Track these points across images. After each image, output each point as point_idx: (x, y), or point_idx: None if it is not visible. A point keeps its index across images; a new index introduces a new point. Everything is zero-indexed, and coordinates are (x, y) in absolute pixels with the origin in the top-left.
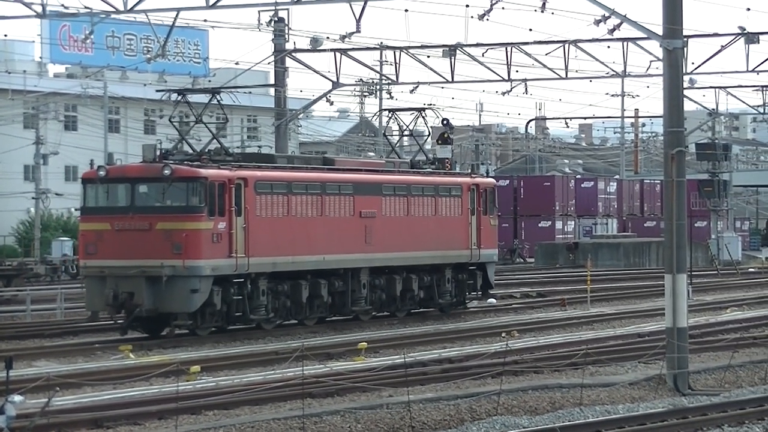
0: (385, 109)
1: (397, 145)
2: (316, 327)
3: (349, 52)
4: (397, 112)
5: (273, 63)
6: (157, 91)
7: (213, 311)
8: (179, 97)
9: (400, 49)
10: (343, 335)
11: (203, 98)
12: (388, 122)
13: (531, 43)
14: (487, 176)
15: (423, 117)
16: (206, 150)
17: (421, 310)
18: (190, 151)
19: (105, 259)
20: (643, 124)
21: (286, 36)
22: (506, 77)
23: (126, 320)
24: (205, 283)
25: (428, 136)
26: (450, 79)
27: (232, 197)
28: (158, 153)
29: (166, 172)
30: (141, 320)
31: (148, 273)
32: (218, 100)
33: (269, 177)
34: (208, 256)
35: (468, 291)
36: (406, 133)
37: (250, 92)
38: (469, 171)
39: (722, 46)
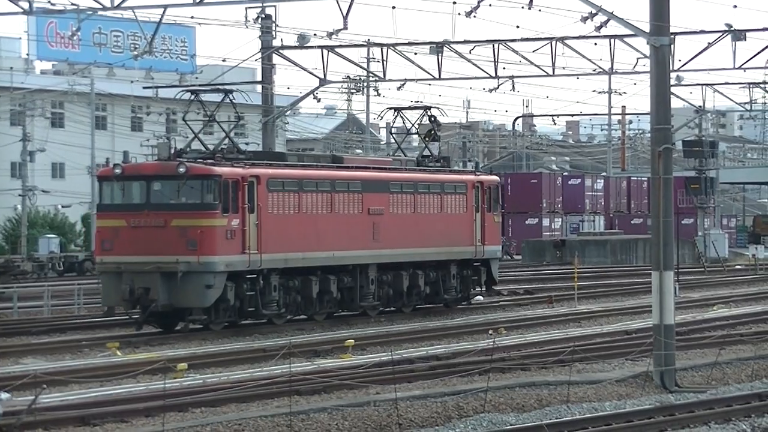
0: (391, 108)
1: (402, 143)
2: (305, 324)
3: (337, 49)
4: (402, 111)
5: (260, 60)
6: (146, 88)
7: (226, 306)
8: (192, 96)
9: (388, 46)
10: (330, 332)
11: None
12: (393, 121)
13: (518, 40)
14: (491, 174)
15: (428, 115)
16: (219, 148)
17: (427, 305)
18: (202, 149)
19: (121, 255)
20: (630, 121)
21: (273, 33)
22: (493, 74)
23: (141, 315)
24: (219, 278)
25: (432, 134)
26: (437, 76)
27: (245, 194)
28: (172, 151)
29: (181, 170)
30: (156, 315)
31: (164, 269)
32: (231, 99)
33: (281, 175)
34: (222, 252)
35: (472, 286)
36: (411, 131)
37: (237, 89)
38: (474, 168)
39: (709, 43)
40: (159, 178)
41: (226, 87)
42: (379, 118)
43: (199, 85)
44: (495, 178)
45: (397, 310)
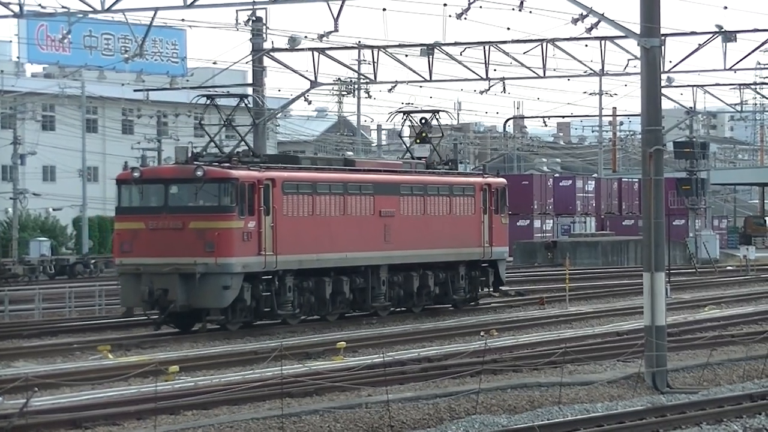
0: (400, 111)
1: (410, 146)
2: (297, 327)
3: (327, 52)
4: (411, 114)
5: (251, 62)
6: (137, 91)
7: (243, 307)
8: (208, 101)
9: (378, 48)
10: (321, 335)
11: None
12: (402, 124)
13: (509, 41)
14: (498, 176)
15: (437, 119)
16: (235, 152)
17: (436, 306)
18: (217, 152)
19: (140, 257)
20: (621, 123)
21: (264, 35)
22: (484, 76)
23: (160, 316)
24: (236, 279)
25: (441, 136)
26: (428, 78)
27: (261, 197)
28: (190, 155)
29: (198, 173)
30: (174, 316)
31: (182, 270)
32: (245, 104)
33: (295, 178)
34: (239, 253)
35: (480, 287)
36: (421, 134)
37: (227, 92)
38: (481, 171)
39: (699, 45)
40: (177, 182)
41: (242, 93)
42: (390, 120)
43: (210, 87)
44: (502, 180)
45: (407, 310)
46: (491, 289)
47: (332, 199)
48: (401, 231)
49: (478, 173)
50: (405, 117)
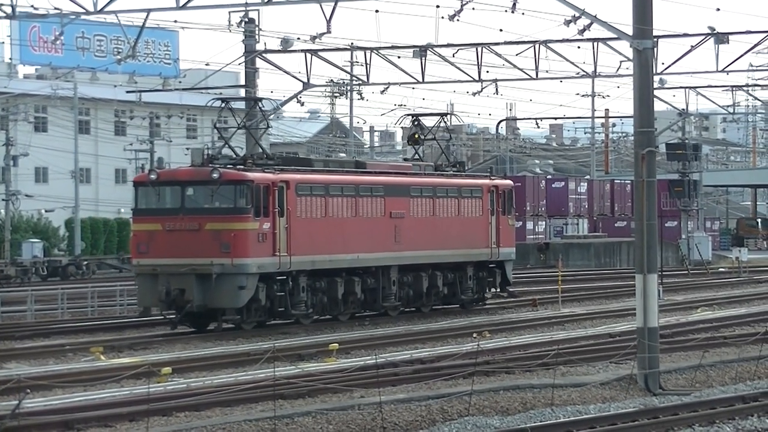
0: (408, 115)
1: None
2: (290, 328)
3: (320, 53)
4: (419, 117)
5: (243, 64)
6: (129, 92)
7: (258, 307)
8: (222, 104)
9: (371, 49)
10: (314, 336)
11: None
12: (411, 127)
13: (501, 43)
14: (505, 178)
15: (444, 121)
16: (249, 154)
17: (444, 306)
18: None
19: (157, 258)
20: (614, 125)
21: (257, 37)
22: (477, 78)
23: (177, 316)
24: (252, 280)
25: (450, 139)
26: (420, 80)
27: (275, 199)
28: (205, 157)
29: (214, 175)
30: (190, 316)
31: (198, 271)
32: (260, 107)
33: (309, 180)
34: (255, 254)
35: (487, 287)
36: (429, 137)
37: (220, 93)
38: (489, 173)
39: (692, 47)
40: (193, 184)
41: (256, 97)
42: (398, 124)
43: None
44: (509, 182)
45: (416, 310)
46: (498, 290)
47: (344, 200)
48: (411, 232)
49: (486, 175)
50: (413, 120)
